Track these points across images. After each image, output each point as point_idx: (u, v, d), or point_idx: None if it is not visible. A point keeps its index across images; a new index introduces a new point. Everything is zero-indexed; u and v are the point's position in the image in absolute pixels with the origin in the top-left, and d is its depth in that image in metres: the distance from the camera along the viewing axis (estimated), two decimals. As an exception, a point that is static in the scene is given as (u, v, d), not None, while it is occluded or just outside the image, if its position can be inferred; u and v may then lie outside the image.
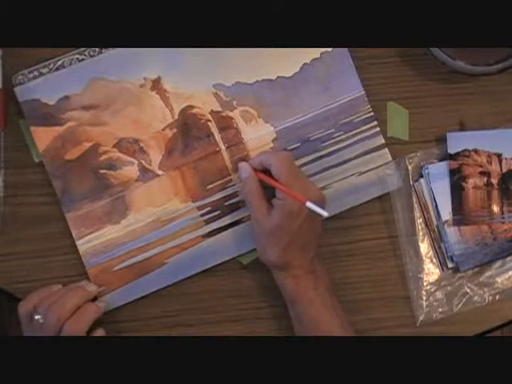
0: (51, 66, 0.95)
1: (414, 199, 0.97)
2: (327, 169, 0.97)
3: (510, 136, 0.97)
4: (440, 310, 0.97)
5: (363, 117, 0.97)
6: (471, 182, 0.96)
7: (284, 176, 0.89)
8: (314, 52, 0.97)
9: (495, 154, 0.97)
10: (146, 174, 0.96)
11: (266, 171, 0.91)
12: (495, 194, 0.97)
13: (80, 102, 0.96)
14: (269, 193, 0.91)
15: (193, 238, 0.96)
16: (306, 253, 0.91)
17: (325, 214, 0.87)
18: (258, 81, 0.97)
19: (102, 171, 0.96)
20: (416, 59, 0.98)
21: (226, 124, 0.97)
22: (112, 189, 0.96)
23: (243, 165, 0.93)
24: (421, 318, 0.97)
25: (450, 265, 0.97)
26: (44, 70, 0.95)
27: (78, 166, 0.95)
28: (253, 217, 0.92)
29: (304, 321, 0.91)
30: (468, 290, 0.97)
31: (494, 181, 0.97)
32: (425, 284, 0.97)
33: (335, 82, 0.97)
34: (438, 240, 0.97)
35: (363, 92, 0.97)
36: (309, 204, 0.87)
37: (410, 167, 0.97)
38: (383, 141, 0.98)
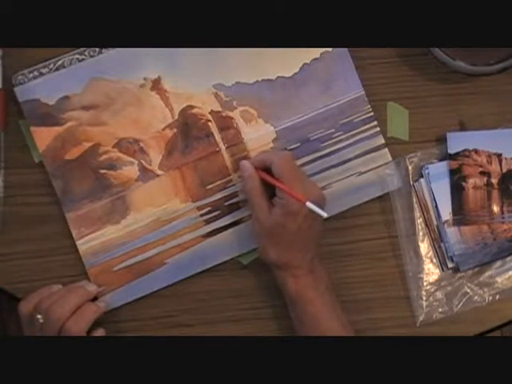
0: (51, 65, 0.95)
1: (414, 199, 0.97)
2: (327, 169, 0.97)
3: (510, 136, 0.97)
4: (440, 309, 0.97)
5: (363, 117, 0.97)
6: (471, 182, 0.96)
7: (285, 175, 0.89)
8: (314, 52, 0.97)
9: (495, 154, 0.97)
10: (145, 173, 0.96)
11: (267, 170, 0.91)
12: (495, 193, 0.97)
13: (80, 102, 0.96)
14: (269, 192, 0.91)
15: (193, 237, 0.96)
16: (306, 253, 0.91)
17: (324, 214, 0.87)
18: (257, 81, 0.97)
19: (102, 171, 0.96)
20: (416, 59, 0.98)
21: (226, 124, 0.97)
22: (112, 189, 0.96)
23: (244, 163, 0.93)
24: (421, 318, 0.97)
25: (450, 265, 0.97)
26: (44, 70, 0.95)
27: (78, 166, 0.95)
28: (253, 215, 0.92)
29: (304, 320, 0.91)
30: (468, 290, 0.97)
31: (494, 181, 0.97)
32: (425, 284, 0.97)
33: (335, 82, 0.97)
34: (437, 240, 0.97)
35: (363, 92, 0.97)
36: (309, 204, 0.87)
37: (410, 167, 0.97)
38: (383, 141, 0.98)
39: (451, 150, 0.97)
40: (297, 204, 0.88)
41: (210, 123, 0.97)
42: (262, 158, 0.92)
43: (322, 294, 0.91)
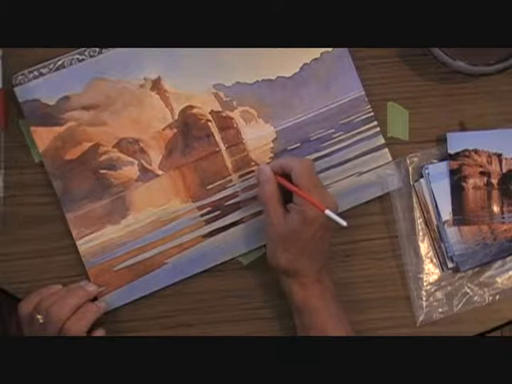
0: (51, 66, 0.95)
1: (414, 199, 0.97)
2: (327, 169, 0.97)
3: (510, 136, 0.97)
4: (440, 310, 0.97)
5: (363, 117, 0.97)
6: (471, 182, 0.97)
7: (304, 182, 0.88)
8: (314, 52, 0.97)
9: (495, 153, 0.97)
10: (146, 173, 0.96)
11: (285, 175, 0.90)
12: (495, 194, 0.97)
13: (80, 102, 0.96)
14: (284, 197, 0.91)
15: (193, 237, 0.96)
16: (315, 262, 0.90)
17: (343, 223, 0.86)
18: (258, 81, 0.97)
19: (102, 171, 0.96)
20: (416, 59, 0.98)
21: (226, 124, 0.97)
22: (112, 189, 0.96)
23: (263, 167, 0.91)
24: (421, 318, 0.97)
25: (449, 265, 0.97)
26: (44, 70, 0.95)
27: (78, 166, 0.95)
28: (267, 220, 0.90)
29: (309, 329, 0.90)
30: (468, 290, 0.97)
31: (494, 181, 0.97)
32: (425, 284, 0.97)
33: (335, 82, 0.97)
34: (437, 240, 0.97)
35: (363, 92, 0.97)
36: (328, 212, 0.87)
37: (410, 167, 0.97)
38: (383, 141, 0.98)
39: (451, 150, 0.97)
40: (314, 211, 0.88)
41: (210, 123, 0.97)
42: (282, 164, 0.91)
43: (329, 305, 0.90)
